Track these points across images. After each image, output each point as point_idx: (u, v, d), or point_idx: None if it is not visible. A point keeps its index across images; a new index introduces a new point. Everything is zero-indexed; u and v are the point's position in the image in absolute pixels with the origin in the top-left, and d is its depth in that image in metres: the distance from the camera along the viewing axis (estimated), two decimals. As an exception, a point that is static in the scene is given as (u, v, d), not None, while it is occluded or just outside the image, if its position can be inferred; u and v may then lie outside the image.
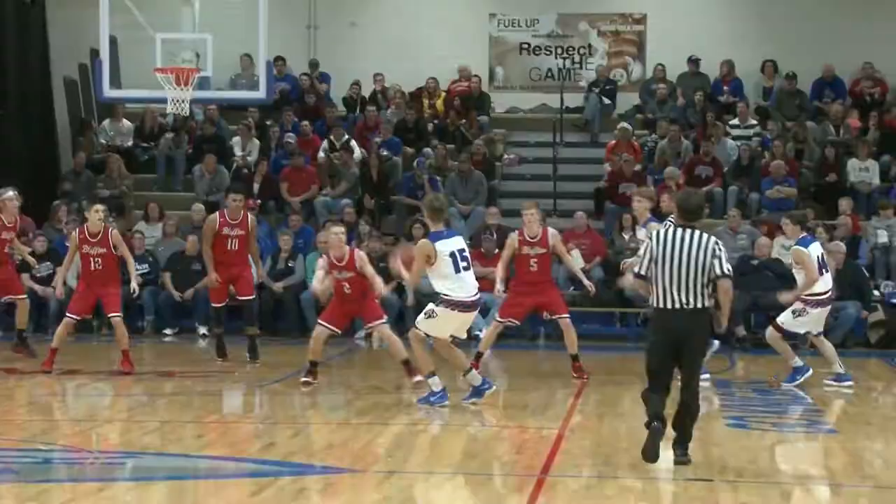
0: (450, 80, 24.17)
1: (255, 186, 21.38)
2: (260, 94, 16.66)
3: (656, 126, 23.10)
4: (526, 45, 25.12)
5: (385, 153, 22.01)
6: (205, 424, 11.61)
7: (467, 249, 12.41)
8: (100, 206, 15.04)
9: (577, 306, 19.19)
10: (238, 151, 22.43)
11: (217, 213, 16.07)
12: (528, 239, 14.75)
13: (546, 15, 25.00)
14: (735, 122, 23.10)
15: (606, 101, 24.12)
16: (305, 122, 22.71)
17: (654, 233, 9.57)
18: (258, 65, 16.68)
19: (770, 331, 14.40)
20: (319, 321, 13.81)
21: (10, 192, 15.82)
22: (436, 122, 23.50)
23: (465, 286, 12.19)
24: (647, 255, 9.44)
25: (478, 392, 12.63)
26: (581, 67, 25.05)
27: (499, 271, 14.81)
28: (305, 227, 20.43)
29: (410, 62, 24.40)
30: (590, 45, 25.06)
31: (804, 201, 20.87)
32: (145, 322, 19.44)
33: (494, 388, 12.85)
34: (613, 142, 22.35)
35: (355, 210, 20.76)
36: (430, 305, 12.32)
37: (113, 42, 16.54)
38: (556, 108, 24.03)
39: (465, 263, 12.19)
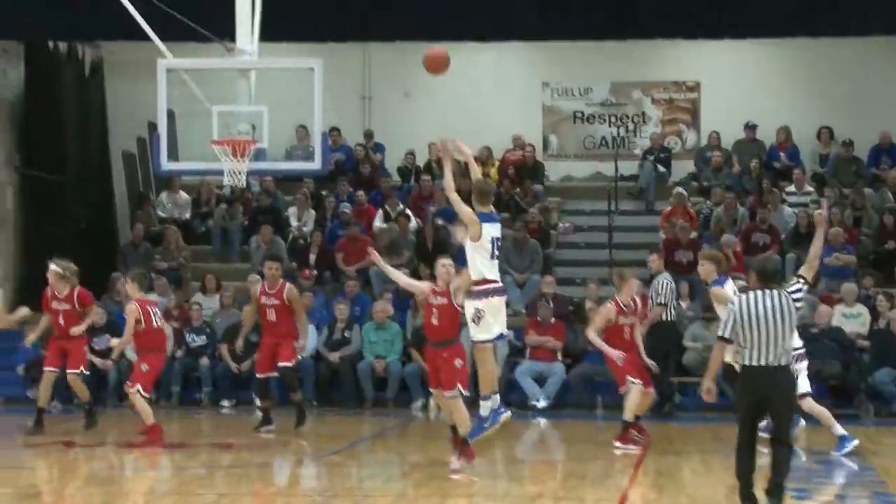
0: (504, 149, 24.19)
1: (312, 257, 21.43)
2: (315, 164, 16.58)
3: (711, 193, 23.00)
4: (580, 114, 25.13)
5: (440, 222, 22.01)
6: (262, 497, 11.55)
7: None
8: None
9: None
10: (294, 222, 22.52)
11: (260, 282, 16.19)
12: (623, 308, 14.64)
13: (599, 83, 25.03)
14: (791, 188, 22.96)
15: (661, 168, 24.07)
16: (360, 192, 22.79)
17: (738, 299, 10.25)
18: (313, 136, 16.66)
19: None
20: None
21: (52, 266, 15.86)
22: (490, 190, 23.46)
23: (494, 272, 12.35)
24: (732, 320, 10.13)
25: (487, 420, 12.44)
26: (635, 135, 25.02)
27: (599, 343, 14.65)
28: (361, 294, 20.42)
29: (464, 131, 24.12)
30: (643, 113, 25.04)
31: (863, 269, 20.68)
32: (203, 394, 19.45)
33: (508, 414, 12.70)
34: (668, 209, 22.26)
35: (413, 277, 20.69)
36: (471, 308, 12.32)
37: (170, 115, 16.67)
38: (611, 176, 23.98)
39: (497, 252, 12.38)
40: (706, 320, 19.28)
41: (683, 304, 19.99)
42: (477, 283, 12.28)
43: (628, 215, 23.46)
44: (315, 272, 21.08)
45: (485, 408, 12.53)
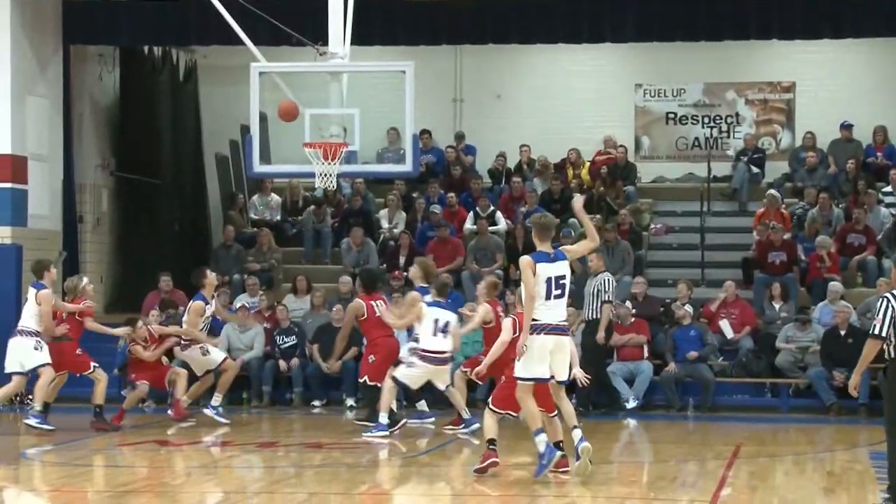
0: (595, 151, 24.17)
1: (401, 259, 21.57)
2: (406, 167, 16.71)
3: (805, 194, 22.82)
4: (672, 115, 25.04)
5: (530, 224, 21.99)
6: (352, 497, 11.68)
7: (568, 278, 12.06)
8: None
9: (726, 376, 19.04)
10: (385, 224, 22.66)
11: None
12: None
13: (692, 84, 24.93)
14: (888, 189, 22.72)
15: (755, 169, 23.91)
16: (451, 194, 22.88)
17: (889, 298, 10.38)
18: (405, 138, 16.77)
19: None
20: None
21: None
22: (581, 192, 23.44)
23: (551, 313, 11.88)
24: (888, 317, 10.33)
25: (544, 457, 12.09)
26: (728, 136, 24.88)
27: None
28: (453, 295, 20.47)
29: (555, 133, 24.47)
30: (737, 114, 24.89)
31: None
32: (293, 394, 19.66)
33: (586, 444, 12.16)
34: (762, 210, 22.13)
35: (502, 281, 20.76)
36: (521, 343, 11.86)
37: (263, 118, 16.87)
38: (703, 177, 23.86)
39: (558, 291, 11.87)
40: (800, 322, 19.18)
41: (776, 306, 19.90)
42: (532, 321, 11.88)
43: (721, 216, 23.33)
44: (405, 274, 21.22)
45: (540, 443, 12.06)
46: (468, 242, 21.78)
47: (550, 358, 11.94)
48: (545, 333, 11.87)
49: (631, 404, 18.46)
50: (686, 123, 24.98)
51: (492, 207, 22.46)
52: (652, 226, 23.08)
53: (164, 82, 23.67)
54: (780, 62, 24.42)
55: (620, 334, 19.02)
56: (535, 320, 11.83)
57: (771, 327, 19.64)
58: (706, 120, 24.93)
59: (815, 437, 16.71)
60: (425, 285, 16.09)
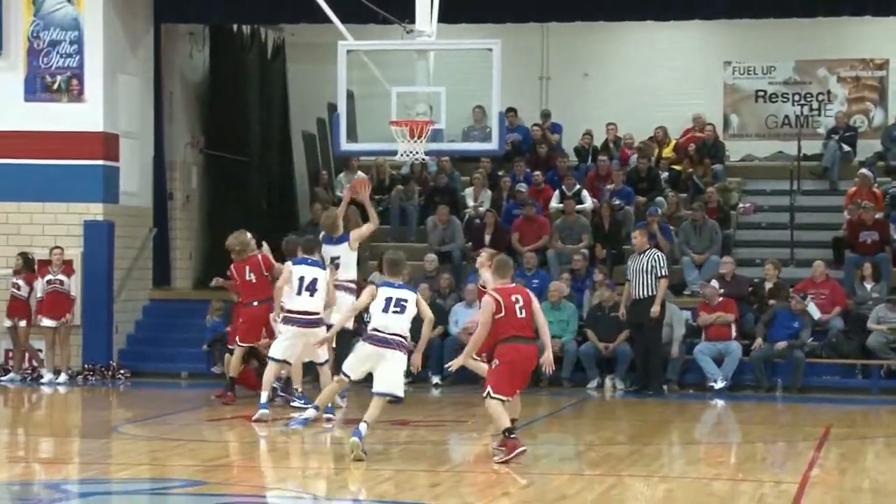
0: (683, 128, 23.97)
1: (486, 237, 21.52)
2: (492, 145, 16.65)
3: (898, 172, 22.50)
4: (762, 93, 24.79)
5: (617, 202, 21.93)
6: (438, 474, 11.69)
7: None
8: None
9: (816, 357, 18.82)
10: (470, 202, 22.62)
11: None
12: None
13: (783, 62, 24.63)
14: (983, 167, 22.33)
15: (846, 147, 23.59)
16: (537, 173, 22.80)
17: None
18: (491, 116, 16.77)
19: None
20: None
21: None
22: (669, 171, 23.32)
23: None
24: None
25: None
26: (819, 114, 24.58)
27: None
28: (539, 273, 20.46)
29: (642, 111, 24.32)
30: (829, 92, 24.58)
31: None
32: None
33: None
34: (853, 189, 21.83)
35: (588, 259, 20.70)
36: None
37: (350, 96, 16.90)
38: (793, 155, 23.59)
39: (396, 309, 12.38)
40: (892, 303, 18.90)
41: (868, 286, 19.63)
42: None
43: (811, 195, 23.06)
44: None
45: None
46: (554, 221, 21.68)
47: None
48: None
49: (719, 385, 18.32)
50: (776, 101, 24.71)
51: (578, 186, 22.36)
52: (740, 205, 22.87)
53: (252, 60, 23.81)
54: (873, 39, 24.06)
55: (707, 313, 18.87)
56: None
57: (862, 308, 19.37)
58: (796, 97, 24.65)
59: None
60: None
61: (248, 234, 16.77)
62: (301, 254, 15.09)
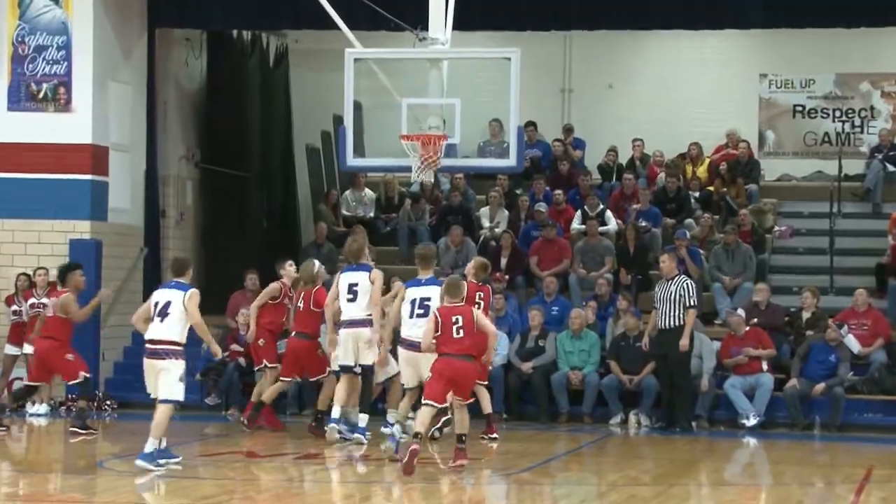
0: (714, 146, 23.98)
1: (503, 260, 21.51)
2: (510, 161, 16.70)
3: (946, 195, 22.48)
4: (800, 108, 24.80)
5: (643, 224, 21.92)
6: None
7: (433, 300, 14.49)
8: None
9: (857, 393, 18.78)
10: (486, 223, 22.59)
11: None
12: None
13: (823, 75, 24.65)
14: None
15: (891, 167, 23.56)
16: (558, 191, 22.77)
17: None
18: (509, 131, 16.78)
19: None
20: None
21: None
22: (700, 191, 23.30)
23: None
24: None
25: None
26: (862, 131, 24.57)
27: None
28: (560, 300, 20.46)
29: (672, 126, 24.33)
30: (872, 108, 24.58)
31: None
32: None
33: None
34: (898, 212, 21.81)
35: (611, 285, 20.68)
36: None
37: (357, 108, 16.94)
38: (833, 175, 23.56)
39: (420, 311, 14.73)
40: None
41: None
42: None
43: (852, 218, 23.02)
44: (507, 276, 21.18)
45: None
46: (575, 243, 21.67)
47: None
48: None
49: (751, 421, 18.28)
50: (815, 117, 24.72)
51: (601, 206, 22.35)
52: (776, 228, 22.84)
53: (253, 68, 23.87)
54: (920, 51, 24.09)
55: (734, 345, 18.79)
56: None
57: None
58: (837, 113, 24.67)
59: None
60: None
61: (316, 264, 17.14)
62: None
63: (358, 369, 15.80)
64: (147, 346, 13.85)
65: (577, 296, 20.85)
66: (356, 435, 15.72)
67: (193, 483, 13.25)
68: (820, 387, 18.36)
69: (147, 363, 13.85)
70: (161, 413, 13.69)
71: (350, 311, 15.66)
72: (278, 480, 13.77)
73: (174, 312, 13.72)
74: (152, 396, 13.96)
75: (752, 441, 17.74)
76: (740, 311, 19.33)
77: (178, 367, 13.69)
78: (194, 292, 13.89)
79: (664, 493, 12.89)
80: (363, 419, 15.77)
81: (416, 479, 13.53)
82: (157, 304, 13.82)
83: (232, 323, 19.83)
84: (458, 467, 13.58)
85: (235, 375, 19.37)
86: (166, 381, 13.67)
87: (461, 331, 13.59)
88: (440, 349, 13.62)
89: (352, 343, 15.69)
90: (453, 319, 13.62)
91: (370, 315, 15.61)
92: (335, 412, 15.77)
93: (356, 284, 15.64)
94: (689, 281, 18.46)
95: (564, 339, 19.32)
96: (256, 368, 17.85)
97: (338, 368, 16.00)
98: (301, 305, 16.78)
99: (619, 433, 18.35)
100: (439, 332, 13.55)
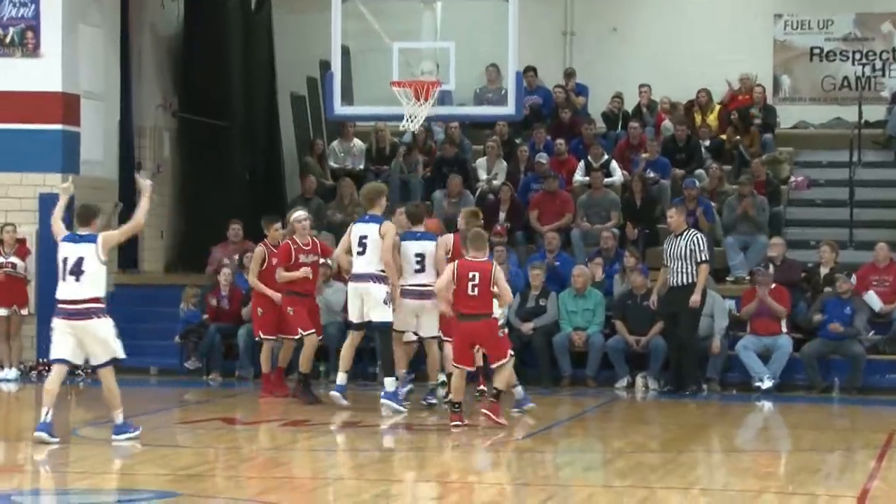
0: (727, 92, 23.93)
1: (501, 215, 21.44)
2: (508, 109, 16.78)
3: (972, 142, 22.46)
4: (818, 51, 24.74)
5: (651, 175, 21.86)
6: (444, 485, 11.67)
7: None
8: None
9: (878, 353, 18.77)
10: (482, 175, 22.52)
11: None
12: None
13: (842, 15, 24.57)
14: None
15: (914, 113, 23.56)
16: (559, 141, 22.70)
17: None
18: (507, 76, 16.75)
19: None
20: None
21: (303, 213, 16.79)
22: (710, 139, 23.25)
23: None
24: None
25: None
26: (883, 75, 24.55)
27: None
28: (562, 256, 20.39)
29: (681, 71, 24.29)
30: (894, 50, 24.54)
31: None
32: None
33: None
34: (921, 160, 21.82)
35: (617, 240, 20.62)
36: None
37: (345, 53, 16.85)
38: (853, 122, 23.56)
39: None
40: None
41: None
42: None
43: (873, 167, 23.03)
44: (507, 226, 21.11)
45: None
46: (578, 197, 21.62)
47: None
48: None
49: (766, 384, 18.25)
50: (833, 60, 24.70)
51: (606, 156, 22.30)
52: (792, 179, 22.82)
53: (233, 11, 23.73)
54: (947, -11, 24.05)
55: (758, 304, 18.72)
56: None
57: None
58: (857, 56, 24.64)
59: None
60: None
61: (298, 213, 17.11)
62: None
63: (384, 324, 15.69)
64: (64, 307, 13.26)
65: (580, 252, 20.82)
66: (384, 401, 15.54)
67: (172, 452, 13.24)
68: (836, 326, 18.28)
69: (66, 325, 13.25)
70: (108, 378, 13.41)
71: (357, 265, 15.66)
72: (262, 449, 13.75)
73: (90, 268, 13.27)
74: (80, 364, 13.75)
75: (766, 405, 17.76)
76: (770, 268, 19.17)
77: (108, 324, 13.37)
78: (105, 238, 13.46)
79: (673, 460, 12.89)
80: (389, 383, 15.62)
81: (403, 447, 13.53)
82: (65, 260, 13.29)
83: (213, 279, 19.79)
84: (495, 423, 14.25)
85: (217, 338, 19.35)
86: (101, 341, 13.31)
87: (476, 289, 14.01)
88: (455, 307, 14.21)
89: (357, 299, 15.66)
90: (470, 275, 14.05)
91: (380, 270, 15.49)
92: (340, 378, 15.80)
93: (366, 237, 15.58)
94: (699, 235, 18.41)
95: (567, 298, 19.27)
96: (294, 337, 17.24)
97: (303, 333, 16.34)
98: (275, 261, 16.78)
99: (625, 397, 18.36)
100: (454, 286, 14.11)
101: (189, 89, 23.21)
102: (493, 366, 14.47)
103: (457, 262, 14.47)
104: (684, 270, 18.02)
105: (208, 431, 14.62)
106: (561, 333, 19.09)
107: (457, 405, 14.32)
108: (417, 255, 15.54)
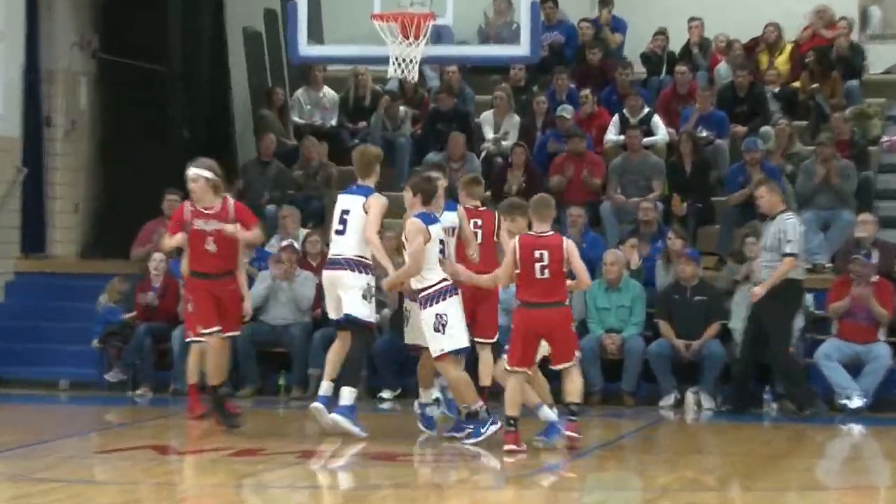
0: (800, 28, 23.92)
1: (513, 186, 21.29)
2: (521, 49, 16.87)
3: None
4: (916, -24, 24.86)
5: (703, 133, 21.74)
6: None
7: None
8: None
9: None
10: (489, 133, 22.52)
11: None
12: None
13: (949, -72, 24.65)
14: None
15: None
16: (586, 90, 22.70)
17: None
18: (520, 8, 16.77)
19: None
20: None
21: (194, 170, 16.05)
22: (780, 88, 23.15)
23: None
24: None
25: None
26: None
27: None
28: (590, 235, 20.26)
29: (741, 3, 24.24)
30: None
31: None
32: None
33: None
34: None
35: (661, 216, 20.49)
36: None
37: (312, -22, 16.89)
38: (961, 66, 23.68)
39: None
40: None
41: None
42: None
43: None
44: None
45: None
46: (611, 160, 21.60)
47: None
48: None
49: (855, 403, 18.26)
50: (937, -12, 24.76)
51: (647, 109, 22.32)
52: (884, 138, 22.92)
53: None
54: None
55: (853, 299, 18.57)
56: None
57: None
58: (967, -17, 24.69)
59: None
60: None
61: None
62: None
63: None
64: None
65: (612, 231, 20.88)
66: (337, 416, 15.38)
67: (89, 490, 13.11)
68: None
69: None
70: None
71: (334, 247, 15.58)
72: (204, 486, 13.63)
73: None
74: None
75: (856, 428, 17.79)
76: (869, 254, 19.11)
77: None
78: None
79: (734, 500, 12.97)
80: (346, 395, 15.41)
81: (387, 478, 13.38)
82: None
83: (142, 266, 19.75)
84: (572, 440, 14.63)
85: (146, 342, 19.36)
86: None
87: (545, 270, 14.21)
88: (518, 294, 14.41)
89: (331, 290, 15.51)
90: (536, 255, 14.22)
91: (360, 256, 15.32)
92: (323, 387, 15.67)
93: (348, 212, 15.44)
94: (791, 219, 18.03)
95: (597, 292, 19.17)
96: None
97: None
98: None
99: (673, 418, 18.45)
100: (518, 269, 14.27)
101: (112, 25, 23.22)
102: (558, 367, 14.58)
103: (517, 239, 14.43)
104: (773, 266, 17.77)
105: (136, 463, 14.52)
106: (589, 336, 19.06)
107: (512, 421, 14.37)
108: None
